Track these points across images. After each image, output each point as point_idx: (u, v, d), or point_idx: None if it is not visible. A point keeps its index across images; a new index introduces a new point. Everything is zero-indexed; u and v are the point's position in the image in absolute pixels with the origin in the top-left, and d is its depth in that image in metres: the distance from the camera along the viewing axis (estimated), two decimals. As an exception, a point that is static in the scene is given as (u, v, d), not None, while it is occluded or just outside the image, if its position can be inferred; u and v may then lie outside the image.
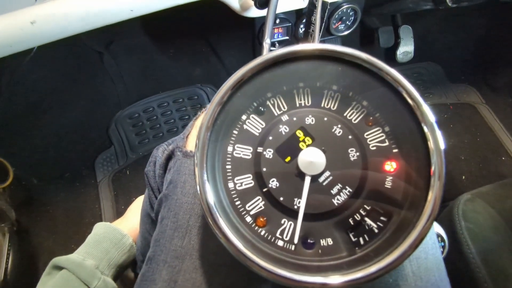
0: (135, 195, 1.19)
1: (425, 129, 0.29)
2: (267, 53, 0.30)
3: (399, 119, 0.30)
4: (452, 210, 0.71)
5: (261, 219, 0.31)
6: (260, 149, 0.32)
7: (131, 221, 0.69)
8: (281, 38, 0.87)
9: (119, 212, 1.15)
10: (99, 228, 0.63)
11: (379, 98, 0.31)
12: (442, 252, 0.60)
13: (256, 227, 0.31)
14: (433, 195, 0.28)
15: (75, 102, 1.16)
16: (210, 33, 1.24)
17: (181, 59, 1.29)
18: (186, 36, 1.24)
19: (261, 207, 0.31)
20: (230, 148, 0.32)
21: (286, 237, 0.31)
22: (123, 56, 1.21)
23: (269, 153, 0.31)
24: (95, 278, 0.53)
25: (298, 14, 0.85)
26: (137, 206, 0.74)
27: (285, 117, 0.32)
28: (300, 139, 0.32)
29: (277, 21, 0.84)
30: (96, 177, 1.21)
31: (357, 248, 0.30)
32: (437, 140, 0.28)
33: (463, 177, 1.18)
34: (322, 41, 1.01)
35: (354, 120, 0.32)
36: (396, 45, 1.24)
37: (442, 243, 0.60)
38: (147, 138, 1.26)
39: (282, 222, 0.31)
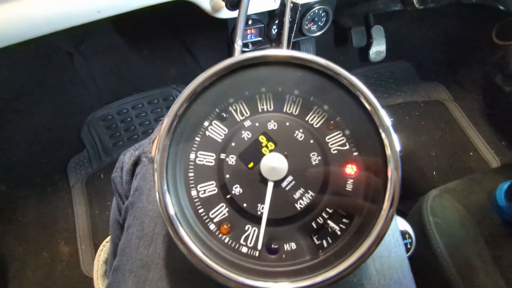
0: (110, 199, 1.16)
1: (382, 133, 0.29)
2: (223, 61, 0.30)
3: (358, 123, 0.31)
4: (421, 205, 0.74)
5: (225, 226, 0.31)
6: (223, 156, 0.31)
7: None
8: (254, 39, 0.87)
9: (93, 217, 1.12)
10: None
11: (339, 102, 0.31)
12: (409, 249, 0.61)
13: (220, 235, 0.31)
14: (389, 196, 0.28)
15: (44, 105, 1.11)
16: (184, 33, 1.22)
17: (156, 59, 1.26)
18: (160, 36, 1.21)
19: (224, 214, 0.31)
20: (192, 155, 0.31)
21: (250, 243, 0.31)
22: (95, 56, 1.18)
23: (232, 160, 0.31)
24: None
25: (270, 15, 0.85)
26: None
27: (247, 123, 0.32)
28: (263, 145, 0.32)
29: (250, 22, 0.84)
30: (68, 181, 1.18)
31: (320, 251, 0.30)
32: (393, 143, 0.29)
33: (434, 173, 1.22)
34: (295, 42, 1.02)
35: (316, 124, 0.32)
36: (368, 45, 1.27)
37: (409, 240, 0.62)
38: (121, 140, 1.23)
39: (246, 228, 0.31)
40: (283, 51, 0.30)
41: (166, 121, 0.30)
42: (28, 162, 1.13)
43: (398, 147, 0.29)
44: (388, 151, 0.29)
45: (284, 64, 0.31)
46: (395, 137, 0.29)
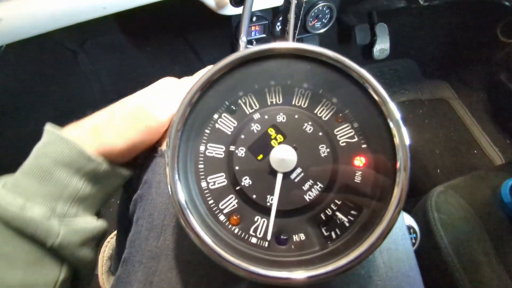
0: (115, 196, 1.17)
1: (391, 125, 0.29)
2: (234, 53, 0.30)
3: (367, 116, 0.31)
4: (426, 202, 0.74)
5: (234, 217, 0.31)
6: (232, 148, 0.32)
7: (111, 132, 0.37)
8: (258, 36, 0.88)
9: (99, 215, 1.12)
10: (49, 145, 0.37)
11: (348, 95, 0.32)
12: (414, 244, 0.62)
13: (230, 225, 0.31)
14: (398, 189, 0.29)
15: (49, 103, 1.12)
16: (188, 30, 1.22)
17: (159, 57, 1.27)
18: (163, 34, 1.22)
19: (234, 205, 0.31)
20: (202, 148, 0.32)
21: (259, 234, 0.31)
22: (99, 54, 1.18)
23: (241, 152, 0.32)
24: (51, 234, 0.31)
25: (274, 12, 0.86)
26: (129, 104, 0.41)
27: (257, 116, 0.32)
28: (272, 137, 0.32)
29: (254, 19, 0.84)
30: (73, 179, 1.18)
31: (329, 242, 0.31)
32: (402, 136, 0.29)
33: (438, 171, 1.22)
34: (299, 39, 1.02)
35: (324, 117, 0.32)
36: (372, 43, 1.27)
37: (414, 235, 0.62)
38: (126, 138, 1.24)
39: (256, 219, 0.31)
40: (293, 44, 0.31)
41: (178, 109, 0.30)
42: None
43: (407, 140, 0.29)
44: (397, 142, 0.29)
45: (293, 58, 0.32)
46: (404, 129, 0.29)
